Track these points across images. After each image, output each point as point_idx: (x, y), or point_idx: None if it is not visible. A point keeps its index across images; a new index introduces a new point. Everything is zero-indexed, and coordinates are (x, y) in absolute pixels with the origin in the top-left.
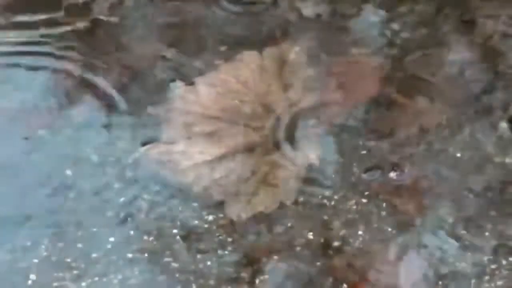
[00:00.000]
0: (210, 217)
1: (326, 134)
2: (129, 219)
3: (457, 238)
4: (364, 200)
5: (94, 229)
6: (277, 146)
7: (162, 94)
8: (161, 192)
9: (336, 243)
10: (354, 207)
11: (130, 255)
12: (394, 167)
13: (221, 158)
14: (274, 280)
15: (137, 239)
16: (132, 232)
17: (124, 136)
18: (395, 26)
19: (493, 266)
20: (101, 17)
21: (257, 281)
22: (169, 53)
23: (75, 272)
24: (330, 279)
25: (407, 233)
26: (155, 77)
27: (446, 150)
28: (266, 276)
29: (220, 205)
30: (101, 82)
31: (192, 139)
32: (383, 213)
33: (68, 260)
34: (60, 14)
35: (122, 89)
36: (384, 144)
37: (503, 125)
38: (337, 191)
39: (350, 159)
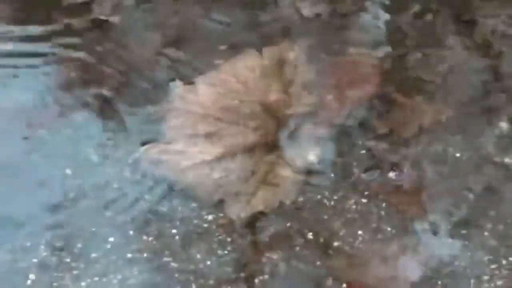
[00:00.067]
0: (210, 217)
1: (325, 134)
2: (128, 219)
3: (457, 238)
4: (363, 200)
5: (94, 229)
6: (276, 146)
7: (162, 94)
8: (160, 192)
9: (335, 243)
10: (354, 207)
11: (129, 255)
12: (393, 167)
13: (220, 158)
14: (274, 280)
15: (137, 239)
16: (131, 232)
17: (124, 136)
18: (395, 26)
19: (492, 266)
20: (102, 17)
21: (256, 281)
22: (169, 52)
23: (74, 272)
24: (330, 279)
25: (406, 233)
26: (155, 77)
27: (445, 150)
28: (266, 276)
29: (219, 205)
30: (101, 82)
31: (191, 139)
32: (383, 213)
33: (68, 260)
34: (60, 14)
35: (122, 88)
36: (384, 144)
37: (503, 125)
38: (337, 191)
39: (349, 159)
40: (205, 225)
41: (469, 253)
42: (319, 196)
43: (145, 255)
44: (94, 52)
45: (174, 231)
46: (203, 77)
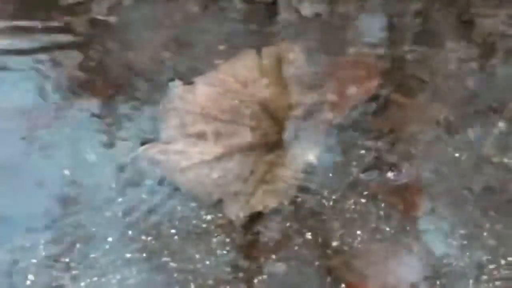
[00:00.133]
0: (209, 217)
1: (324, 134)
2: (127, 219)
3: (456, 238)
4: (362, 200)
5: (93, 229)
6: (275, 145)
7: (161, 94)
8: (159, 192)
9: (334, 243)
10: (353, 207)
11: (128, 255)
12: (392, 167)
13: (219, 158)
14: (273, 280)
15: (136, 239)
16: (130, 232)
17: (123, 136)
18: (395, 26)
19: (491, 266)
20: (100, 17)
21: (255, 281)
22: (168, 52)
23: (73, 272)
24: (329, 279)
25: (405, 233)
26: (153, 77)
27: (445, 150)
28: (265, 276)
29: (218, 205)
30: (100, 81)
31: (191, 139)
32: (381, 213)
33: (67, 260)
34: (59, 14)
35: (120, 88)
36: (383, 144)
37: (502, 125)
38: (336, 191)
39: (348, 159)
40: (204, 225)
41: (468, 253)
42: (318, 196)
43: (144, 255)
44: (93, 52)
45: (173, 231)
46: (202, 77)
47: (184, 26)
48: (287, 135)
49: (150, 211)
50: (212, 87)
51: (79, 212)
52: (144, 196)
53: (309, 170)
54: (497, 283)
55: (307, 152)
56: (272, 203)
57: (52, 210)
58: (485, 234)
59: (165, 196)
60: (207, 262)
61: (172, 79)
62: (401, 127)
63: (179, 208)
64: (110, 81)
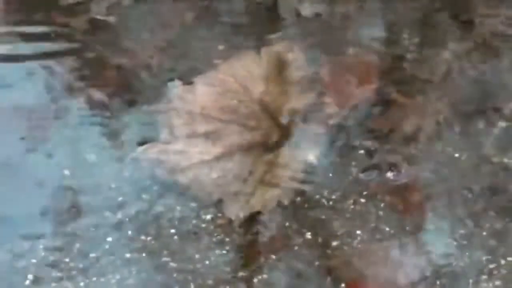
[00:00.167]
0: (208, 217)
1: (324, 134)
2: (127, 219)
3: (456, 238)
4: (362, 200)
5: (92, 229)
6: (275, 145)
7: (160, 94)
8: (159, 192)
9: (334, 243)
10: (352, 207)
11: (128, 255)
12: (392, 167)
13: (219, 157)
14: (273, 279)
15: (135, 239)
16: (130, 232)
17: (122, 136)
18: (394, 26)
19: (491, 266)
20: (99, 16)
21: (255, 280)
22: (167, 52)
23: (73, 272)
24: (329, 279)
25: (405, 233)
26: (153, 77)
27: (444, 150)
28: (265, 276)
29: (218, 205)
30: (99, 81)
31: (190, 139)
32: (381, 213)
33: (66, 260)
34: (58, 14)
35: (120, 88)
36: (382, 144)
37: (502, 125)
38: (335, 191)
39: (348, 159)
40: (204, 225)
41: (467, 253)
42: (317, 196)
43: (143, 255)
44: (92, 52)
45: (172, 231)
46: (202, 77)
47: (184, 26)
48: (286, 135)
49: (150, 211)
50: (211, 87)
51: (78, 212)
52: (144, 196)
53: (309, 170)
54: (497, 283)
55: (307, 152)
56: (271, 203)
57: (52, 210)
58: (485, 234)
59: (164, 196)
60: (207, 262)
61: (171, 79)
62: (401, 127)
63: (178, 208)
64: (110, 81)
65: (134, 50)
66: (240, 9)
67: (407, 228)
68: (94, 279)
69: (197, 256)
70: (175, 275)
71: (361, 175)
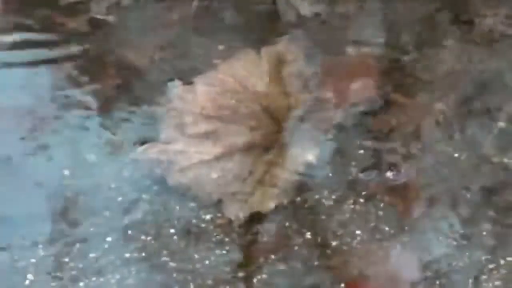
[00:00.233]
0: (208, 217)
1: (323, 134)
2: (126, 219)
3: (455, 238)
4: (361, 200)
5: (92, 229)
6: (275, 145)
7: (160, 94)
8: (159, 192)
9: (334, 243)
10: (352, 206)
11: (127, 255)
12: (391, 167)
13: (219, 157)
14: (272, 279)
15: (135, 238)
16: (129, 232)
17: (122, 135)
18: (394, 26)
19: (491, 266)
20: (99, 16)
21: (254, 280)
22: (167, 52)
23: (73, 272)
24: (328, 279)
25: (404, 233)
26: (153, 77)
27: (444, 150)
28: (264, 276)
29: (218, 205)
30: (99, 81)
31: (190, 138)
32: (381, 213)
33: (66, 260)
34: (58, 14)
35: (120, 88)
36: (382, 144)
37: (502, 124)
38: (335, 191)
39: (347, 159)
40: (203, 225)
41: (467, 253)
42: (317, 196)
43: (143, 254)
44: (92, 52)
45: (172, 230)
46: (201, 77)
47: (184, 26)
48: (286, 135)
49: (150, 211)
50: (211, 87)
51: (78, 212)
52: (144, 196)
53: (308, 170)
54: (497, 283)
55: (306, 152)
56: (271, 203)
57: (51, 210)
58: (485, 234)
59: (164, 196)
60: (207, 262)
61: (171, 79)
62: (401, 127)
63: (178, 208)
64: (109, 81)
65: (134, 50)
66: (240, 9)
67: (407, 228)
68: (94, 279)
69: (196, 256)
70: (174, 275)
71: (361, 175)
